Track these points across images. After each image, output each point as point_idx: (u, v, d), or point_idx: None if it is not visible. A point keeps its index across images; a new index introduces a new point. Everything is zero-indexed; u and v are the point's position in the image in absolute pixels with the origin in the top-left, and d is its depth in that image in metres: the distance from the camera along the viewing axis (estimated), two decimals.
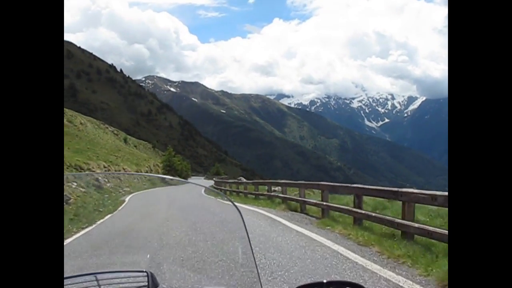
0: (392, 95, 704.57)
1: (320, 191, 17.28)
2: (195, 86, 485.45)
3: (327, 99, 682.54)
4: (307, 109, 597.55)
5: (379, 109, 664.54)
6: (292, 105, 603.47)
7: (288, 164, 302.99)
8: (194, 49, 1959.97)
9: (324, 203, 8.78)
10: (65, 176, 1.24)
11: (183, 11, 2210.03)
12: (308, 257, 5.19)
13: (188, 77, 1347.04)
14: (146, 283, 1.34)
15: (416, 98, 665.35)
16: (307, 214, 10.25)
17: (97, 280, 1.40)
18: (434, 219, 6.84)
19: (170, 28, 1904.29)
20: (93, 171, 24.43)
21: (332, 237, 6.56)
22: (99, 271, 1.47)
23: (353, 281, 1.08)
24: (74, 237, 5.58)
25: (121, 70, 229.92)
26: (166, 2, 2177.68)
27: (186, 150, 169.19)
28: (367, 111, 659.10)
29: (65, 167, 21.58)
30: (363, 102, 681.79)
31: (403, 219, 5.59)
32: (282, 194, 12.96)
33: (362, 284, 1.01)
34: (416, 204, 5.67)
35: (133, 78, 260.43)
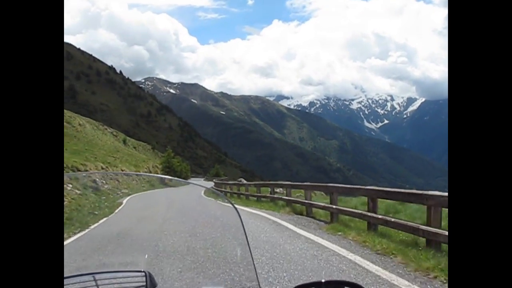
0: (391, 96, 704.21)
1: (322, 193, 16.92)
2: (195, 87, 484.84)
3: (326, 101, 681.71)
4: (307, 111, 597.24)
5: (379, 110, 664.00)
6: (292, 107, 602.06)
7: (288, 165, 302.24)
8: (194, 51, 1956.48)
9: (334, 206, 8.17)
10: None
11: (182, 13, 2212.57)
12: (323, 268, 4.63)
13: (187, 79, 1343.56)
14: (144, 283, 1.36)
15: (415, 99, 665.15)
16: (314, 218, 9.64)
17: (95, 280, 1.40)
18: None
19: (169, 30, 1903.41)
20: (90, 172, 23.85)
21: (345, 245, 5.98)
22: (97, 271, 1.46)
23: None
24: (65, 242, 5.10)
25: (120, 71, 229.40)
26: (165, 3, 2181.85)
27: (185, 151, 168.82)
28: (366, 112, 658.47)
29: None
30: (363, 104, 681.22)
31: (428, 225, 4.99)
32: (286, 196, 12.33)
33: (361, 284, 1.04)
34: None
35: (133, 80, 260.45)
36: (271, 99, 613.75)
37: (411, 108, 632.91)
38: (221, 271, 2.71)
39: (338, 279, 1.59)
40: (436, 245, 4.86)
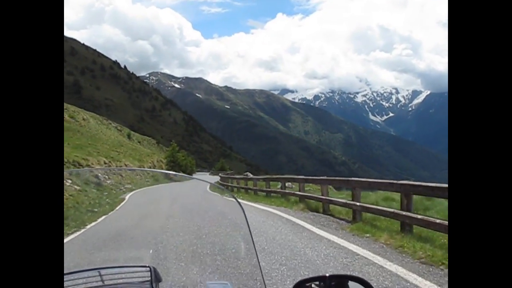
0: (396, 89, 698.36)
1: (331, 187, 15.94)
2: (199, 82, 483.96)
3: (331, 94, 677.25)
4: (311, 104, 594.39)
5: (384, 103, 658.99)
6: (296, 100, 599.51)
7: (293, 159, 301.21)
8: (198, 45, 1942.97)
9: (358, 203, 7.28)
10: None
11: (186, 7, 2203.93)
12: None
13: (192, 73, 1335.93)
14: (149, 278, 1.36)
15: (420, 92, 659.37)
16: (332, 215, 8.74)
17: (100, 275, 1.40)
18: None
19: (173, 24, 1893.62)
20: (92, 167, 23.15)
21: (379, 251, 5.10)
22: (102, 266, 1.47)
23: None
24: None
25: (125, 66, 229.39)
26: None
27: (190, 145, 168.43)
28: (371, 105, 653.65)
29: None
30: (368, 97, 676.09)
31: None
32: (299, 191, 11.42)
33: (365, 278, 1.05)
34: None
35: (137, 75, 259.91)
36: (276, 92, 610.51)
37: (416, 101, 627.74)
38: (226, 266, 2.61)
39: (342, 273, 1.55)
40: None
